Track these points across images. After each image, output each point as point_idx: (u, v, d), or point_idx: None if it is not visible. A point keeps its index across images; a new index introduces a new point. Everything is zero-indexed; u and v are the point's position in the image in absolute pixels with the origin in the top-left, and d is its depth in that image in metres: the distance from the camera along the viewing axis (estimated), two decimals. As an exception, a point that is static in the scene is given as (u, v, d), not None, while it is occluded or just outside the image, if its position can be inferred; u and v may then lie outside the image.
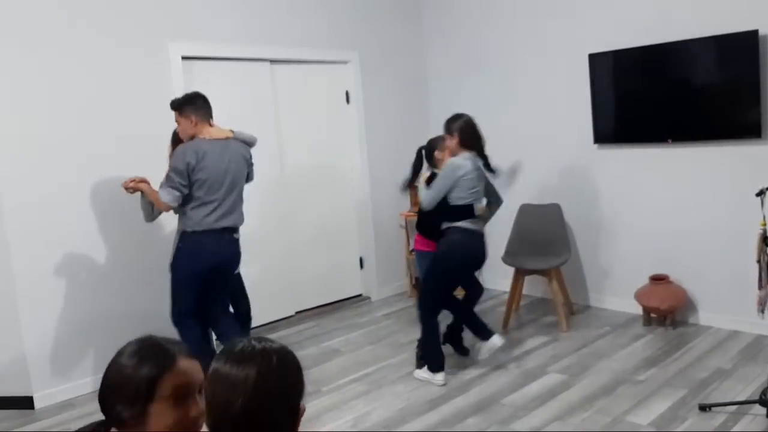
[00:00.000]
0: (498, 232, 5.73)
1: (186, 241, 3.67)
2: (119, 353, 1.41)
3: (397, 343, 4.67)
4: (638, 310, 4.76)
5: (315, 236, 5.53)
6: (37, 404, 3.93)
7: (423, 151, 4.24)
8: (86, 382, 4.02)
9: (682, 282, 4.64)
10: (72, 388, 4.03)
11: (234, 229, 3.80)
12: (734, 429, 3.12)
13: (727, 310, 4.49)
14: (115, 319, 4.14)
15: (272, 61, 5.12)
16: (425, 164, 4.23)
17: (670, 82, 4.51)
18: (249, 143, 3.85)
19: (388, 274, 5.97)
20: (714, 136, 4.37)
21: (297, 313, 5.42)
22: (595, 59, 4.85)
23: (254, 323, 5.05)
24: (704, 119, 4.39)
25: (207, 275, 3.70)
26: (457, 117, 3.97)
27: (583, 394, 3.64)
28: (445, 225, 3.97)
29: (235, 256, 3.87)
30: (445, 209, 3.93)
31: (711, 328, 4.52)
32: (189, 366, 1.40)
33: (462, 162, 3.88)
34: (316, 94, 5.47)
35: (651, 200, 4.78)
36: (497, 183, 4.33)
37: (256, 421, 1.28)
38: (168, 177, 3.59)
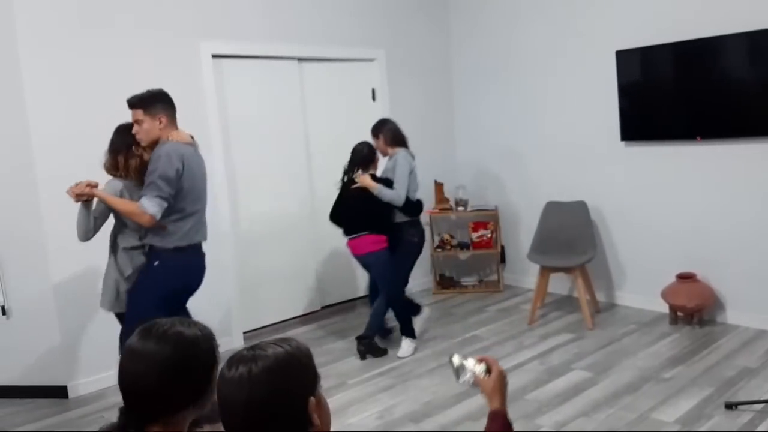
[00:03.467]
0: (524, 230, 5.75)
1: (166, 259, 3.23)
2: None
3: (422, 338, 4.70)
4: (664, 308, 4.74)
5: (341, 232, 5.56)
6: (71, 394, 4.05)
7: (363, 153, 4.43)
8: (118, 372, 4.11)
9: (709, 280, 4.61)
10: (105, 378, 4.12)
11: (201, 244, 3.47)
12: (760, 428, 3.10)
13: (754, 309, 4.45)
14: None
15: (300, 59, 5.18)
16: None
17: (699, 79, 4.47)
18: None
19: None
20: (744, 134, 4.33)
21: (323, 307, 5.48)
22: (622, 56, 4.83)
23: (282, 317, 5.16)
24: (734, 117, 4.35)
25: (182, 296, 3.37)
26: (383, 121, 4.57)
27: (608, 391, 3.65)
28: (400, 219, 4.41)
29: (204, 273, 3.47)
30: (406, 204, 4.34)
31: (738, 327, 4.48)
32: None
33: (408, 153, 4.39)
34: (342, 91, 5.52)
35: (678, 198, 4.75)
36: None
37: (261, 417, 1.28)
38: (154, 185, 3.08)
